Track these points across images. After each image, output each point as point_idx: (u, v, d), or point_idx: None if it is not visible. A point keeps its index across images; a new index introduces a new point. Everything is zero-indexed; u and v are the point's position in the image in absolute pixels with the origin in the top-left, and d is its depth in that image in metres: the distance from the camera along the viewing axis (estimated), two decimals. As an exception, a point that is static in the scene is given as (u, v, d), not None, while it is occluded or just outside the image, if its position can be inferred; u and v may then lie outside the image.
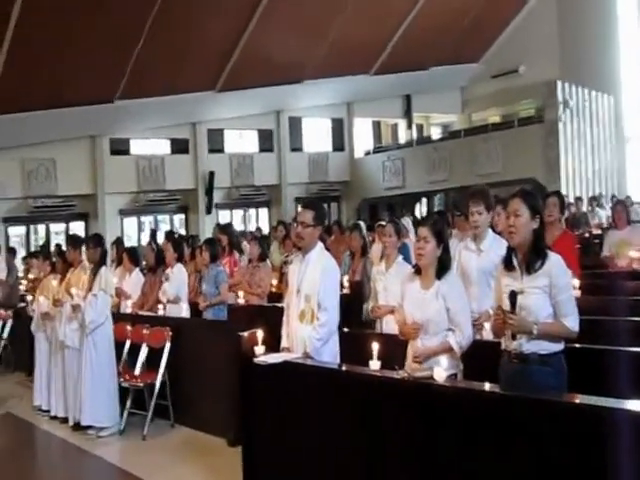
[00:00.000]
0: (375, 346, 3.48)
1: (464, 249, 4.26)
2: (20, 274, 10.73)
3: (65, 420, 6.07)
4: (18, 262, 11.11)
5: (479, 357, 3.57)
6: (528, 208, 3.14)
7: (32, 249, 14.61)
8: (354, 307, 5.80)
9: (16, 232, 16.54)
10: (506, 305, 3.10)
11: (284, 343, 4.16)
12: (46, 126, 14.63)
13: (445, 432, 3.10)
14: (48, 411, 6.40)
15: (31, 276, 10.20)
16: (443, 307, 3.47)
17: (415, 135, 22.45)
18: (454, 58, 20.08)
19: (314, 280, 3.98)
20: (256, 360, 3.96)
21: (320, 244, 4.19)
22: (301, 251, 4.24)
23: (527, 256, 3.14)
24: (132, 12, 12.89)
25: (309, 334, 3.93)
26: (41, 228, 17.01)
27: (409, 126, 22.41)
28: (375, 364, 3.44)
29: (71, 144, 16.17)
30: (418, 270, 3.66)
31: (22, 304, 8.78)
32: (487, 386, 3.08)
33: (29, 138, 15.16)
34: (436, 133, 23.40)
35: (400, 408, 3.31)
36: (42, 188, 15.94)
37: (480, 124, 20.34)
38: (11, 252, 10.64)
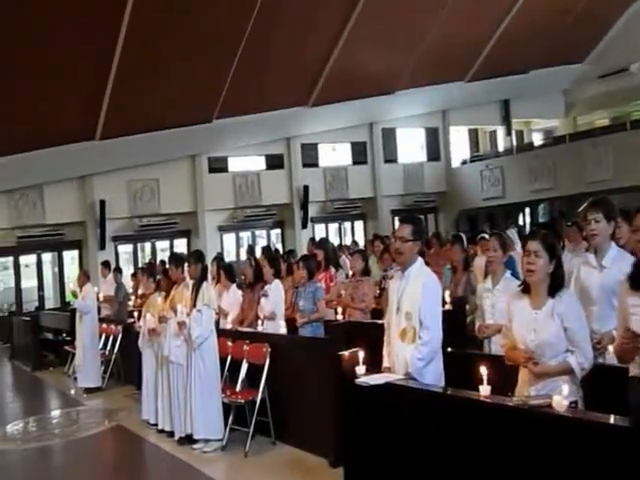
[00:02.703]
0: (484, 370, 3.25)
1: (583, 264, 3.90)
2: (129, 290, 11.24)
3: (171, 434, 6.20)
4: (126, 279, 11.62)
5: (601, 383, 3.28)
6: None
7: (139, 266, 15.28)
8: (457, 324, 5.55)
9: (124, 250, 17.43)
10: (636, 327, 2.78)
11: (385, 363, 4.01)
12: (150, 148, 15.36)
13: (564, 467, 2.84)
14: (156, 424, 6.57)
15: (140, 292, 10.66)
16: (560, 327, 3.17)
17: (515, 142, 21.64)
18: (556, 59, 19.19)
19: (415, 297, 3.83)
20: (357, 381, 3.85)
21: (420, 259, 4.03)
22: (400, 267, 4.09)
23: (659, 275, 2.81)
24: (226, 34, 13.29)
25: (411, 354, 3.77)
26: (147, 245, 17.82)
27: (508, 133, 21.64)
28: (485, 389, 3.21)
29: (173, 164, 16.86)
30: (526, 288, 3.38)
31: (130, 320, 9.14)
32: (612, 418, 2.78)
33: (134, 160, 15.96)
34: (538, 139, 22.42)
35: (512, 438, 3.07)
36: (147, 207, 16.71)
37: (587, 128, 19.27)
38: (118, 271, 11.15)
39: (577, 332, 3.19)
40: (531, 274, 3.27)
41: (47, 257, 16.92)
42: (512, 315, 3.38)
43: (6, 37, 10.93)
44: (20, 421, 7.71)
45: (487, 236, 8.59)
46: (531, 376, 3.22)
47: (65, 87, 12.55)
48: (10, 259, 16.30)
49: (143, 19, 11.93)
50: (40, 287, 16.65)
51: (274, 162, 18.56)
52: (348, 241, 17.57)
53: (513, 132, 21.85)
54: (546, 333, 3.19)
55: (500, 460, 3.14)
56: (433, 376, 3.81)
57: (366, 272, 6.94)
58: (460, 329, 5.50)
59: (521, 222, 18.94)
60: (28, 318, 12.53)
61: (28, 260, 16.58)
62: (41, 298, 16.47)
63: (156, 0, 11.92)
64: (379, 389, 3.75)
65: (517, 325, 3.33)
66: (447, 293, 6.17)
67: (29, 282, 16.62)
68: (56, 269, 17.04)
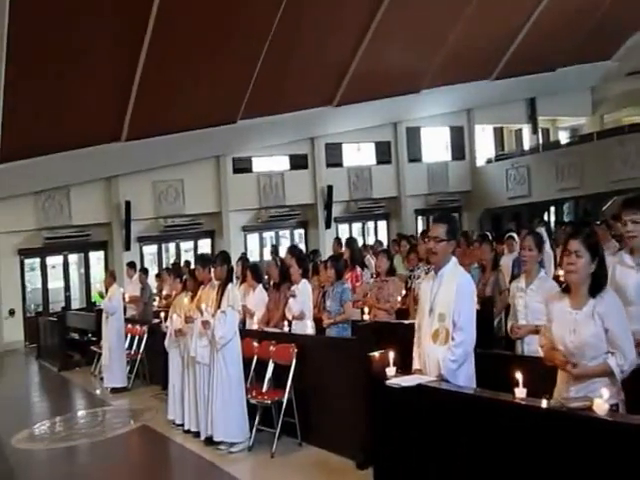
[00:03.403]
0: (519, 373, 3.15)
1: (619, 264, 3.79)
2: (154, 291, 11.26)
3: (198, 434, 6.17)
4: (150, 279, 11.66)
5: (641, 385, 3.15)
6: None
7: (164, 266, 15.36)
8: (485, 324, 5.45)
9: (149, 250, 17.54)
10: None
11: (416, 365, 3.94)
12: (175, 149, 15.43)
13: (605, 472, 2.74)
14: (182, 425, 6.55)
15: (164, 292, 10.68)
16: (601, 328, 3.08)
17: (541, 140, 21.36)
18: (583, 56, 18.89)
19: (448, 297, 3.74)
20: (388, 383, 3.77)
21: (454, 259, 3.95)
22: (434, 267, 4.01)
23: None
24: (250, 34, 13.30)
25: (444, 355, 3.69)
26: (171, 246, 17.91)
27: (534, 131, 21.38)
28: (521, 392, 3.11)
29: (197, 165, 16.93)
30: (567, 288, 3.29)
31: (156, 320, 9.16)
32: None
33: (159, 161, 16.06)
34: (564, 137, 22.12)
35: (550, 441, 2.97)
36: (172, 208, 16.80)
37: (614, 126, 18.92)
38: (144, 271, 11.19)
39: (618, 333, 3.09)
40: (571, 274, 3.19)
41: (73, 258, 17.10)
42: (551, 315, 3.29)
43: (32, 39, 11.04)
44: (47, 421, 7.77)
45: (515, 235, 8.51)
46: (569, 377, 3.13)
47: (91, 89, 12.66)
48: (37, 260, 16.50)
49: (168, 22, 11.99)
50: (66, 288, 16.84)
51: (298, 162, 18.54)
52: (371, 241, 17.47)
53: (539, 130, 21.57)
54: (586, 334, 3.10)
55: (537, 464, 3.04)
56: (465, 378, 3.74)
57: (391, 272, 6.86)
58: (488, 329, 5.39)
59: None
60: (55, 318, 12.65)
61: (55, 261, 16.78)
62: (67, 299, 16.66)
63: (181, 3, 11.96)
64: (410, 390, 3.68)
65: (556, 325, 3.24)
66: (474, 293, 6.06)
67: (56, 283, 16.81)
68: (82, 270, 17.22)
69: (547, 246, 7.68)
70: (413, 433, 3.76)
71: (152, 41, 12.35)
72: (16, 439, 6.90)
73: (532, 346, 4.23)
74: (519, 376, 3.16)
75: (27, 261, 16.33)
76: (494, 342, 5.61)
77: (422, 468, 3.72)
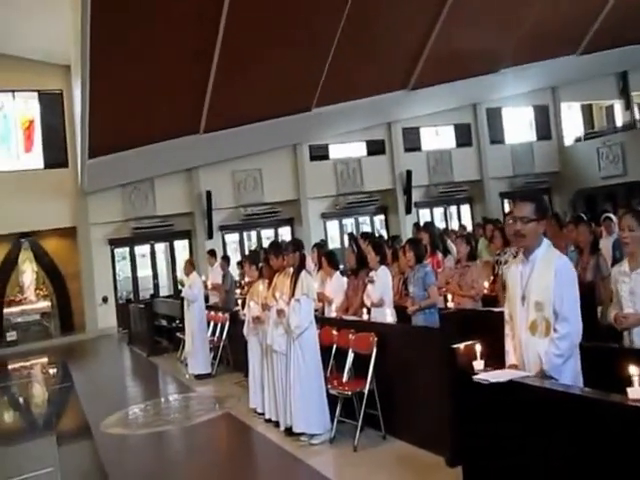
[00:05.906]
0: (635, 369, 2.78)
1: None
2: (236, 278, 11.35)
3: (278, 424, 6.09)
4: (232, 267, 11.76)
5: None
6: None
7: (245, 254, 15.55)
8: (588, 313, 5.02)
9: (231, 239, 17.84)
10: None
11: (511, 360, 3.56)
12: (252, 139, 15.54)
13: None
14: (263, 414, 6.51)
15: (246, 279, 10.74)
16: None
17: (636, 116, 20.02)
18: (683, 23, 17.43)
19: (545, 284, 3.34)
20: (475, 378, 3.48)
21: (546, 241, 3.53)
22: (522, 250, 3.64)
23: None
24: (322, 22, 13.10)
25: (547, 349, 3.32)
26: (253, 234, 18.13)
27: (627, 107, 20.08)
28: (636, 392, 2.75)
29: (275, 154, 17.01)
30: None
31: (237, 307, 9.22)
32: None
33: (238, 151, 16.23)
34: (662, 112, 20.67)
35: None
36: (251, 197, 16.99)
37: None
38: (225, 259, 11.28)
39: None
40: None
41: (160, 247, 17.64)
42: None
43: (114, 41, 11.31)
44: (134, 406, 7.98)
45: (612, 215, 7.92)
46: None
47: (171, 85, 12.88)
48: (126, 249, 17.15)
49: (241, 12, 11.96)
50: (154, 275, 17.41)
51: (375, 148, 18.26)
52: (454, 225, 16.97)
53: (636, 106, 20.23)
54: None
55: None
56: (571, 374, 3.35)
57: (472, 257, 6.52)
58: (592, 319, 4.94)
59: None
60: (143, 305, 13.04)
61: (143, 250, 17.39)
62: (156, 286, 17.22)
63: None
64: (500, 387, 3.38)
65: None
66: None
67: (144, 271, 17.43)
68: (169, 258, 17.74)
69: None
70: (506, 432, 3.46)
71: (226, 33, 12.39)
72: (104, 424, 7.10)
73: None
74: (635, 373, 2.77)
75: (117, 250, 17.01)
76: (600, 333, 5.16)
77: (518, 470, 3.42)
